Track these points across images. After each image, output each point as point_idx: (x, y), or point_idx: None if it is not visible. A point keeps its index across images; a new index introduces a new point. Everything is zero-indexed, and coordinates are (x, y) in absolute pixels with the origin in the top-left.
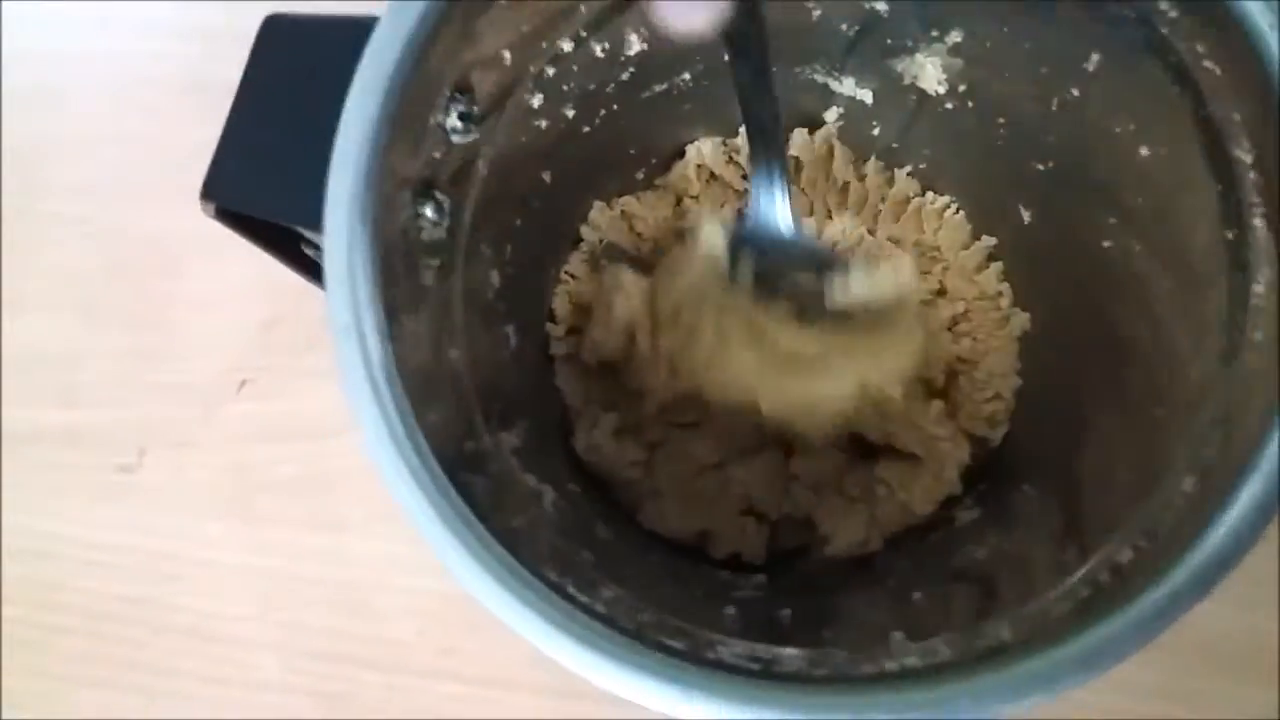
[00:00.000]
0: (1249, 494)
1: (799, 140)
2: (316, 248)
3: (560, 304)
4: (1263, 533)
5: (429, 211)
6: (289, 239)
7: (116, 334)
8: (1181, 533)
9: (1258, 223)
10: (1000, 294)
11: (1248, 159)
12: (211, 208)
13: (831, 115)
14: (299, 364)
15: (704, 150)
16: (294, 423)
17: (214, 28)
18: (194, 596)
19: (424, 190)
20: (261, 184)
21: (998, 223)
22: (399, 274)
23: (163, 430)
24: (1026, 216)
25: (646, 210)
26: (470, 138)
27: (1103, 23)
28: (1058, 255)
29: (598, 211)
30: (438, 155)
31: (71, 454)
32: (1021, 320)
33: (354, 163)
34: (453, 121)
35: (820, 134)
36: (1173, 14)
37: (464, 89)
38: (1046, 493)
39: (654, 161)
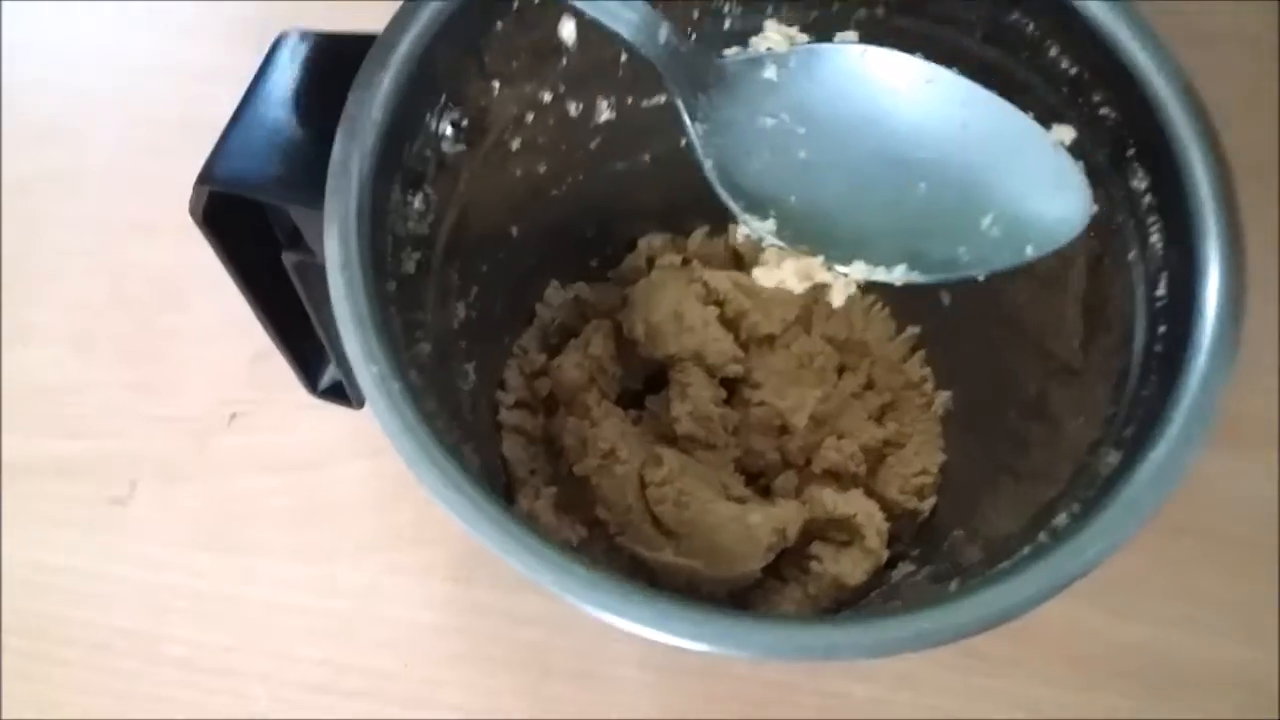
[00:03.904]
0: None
1: (737, 237)
2: (298, 249)
3: (511, 375)
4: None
5: (417, 202)
6: (267, 250)
7: (113, 367)
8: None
9: (1155, 238)
10: (924, 379)
11: (1143, 185)
12: (203, 202)
13: None
14: (288, 397)
15: (654, 245)
16: (284, 455)
17: (216, 69)
18: (186, 628)
19: (414, 180)
20: (260, 169)
21: (920, 311)
22: (386, 249)
23: (154, 462)
24: (946, 299)
25: (597, 299)
26: (458, 149)
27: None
28: (975, 332)
29: (553, 290)
30: (428, 154)
31: (65, 485)
32: (944, 399)
33: (360, 133)
34: (445, 127)
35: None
36: (1072, 71)
37: (458, 100)
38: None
39: (609, 252)
